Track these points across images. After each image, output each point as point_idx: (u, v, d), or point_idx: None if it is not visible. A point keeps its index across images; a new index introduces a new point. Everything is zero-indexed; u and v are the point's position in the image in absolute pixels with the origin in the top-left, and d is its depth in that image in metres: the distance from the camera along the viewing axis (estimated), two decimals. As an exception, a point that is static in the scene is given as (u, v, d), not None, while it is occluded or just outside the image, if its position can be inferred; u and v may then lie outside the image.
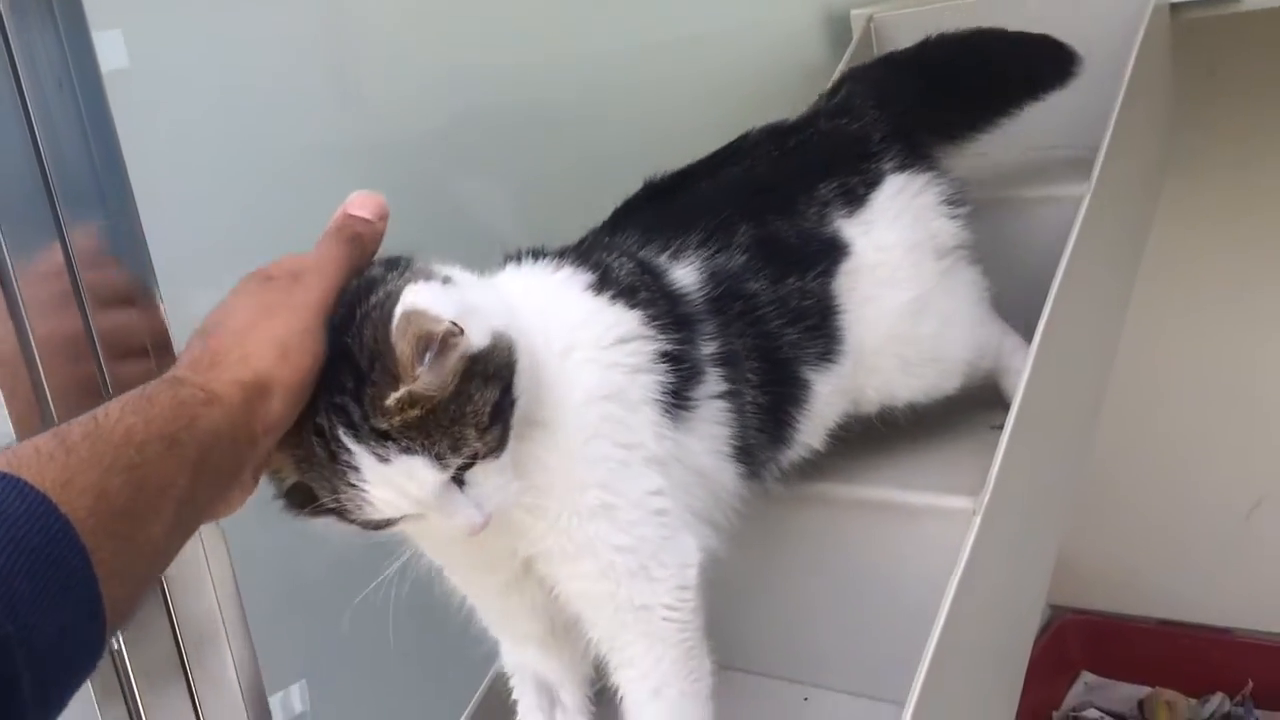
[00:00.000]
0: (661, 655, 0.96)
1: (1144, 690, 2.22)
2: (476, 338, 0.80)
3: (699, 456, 1.00)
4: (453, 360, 0.78)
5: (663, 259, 1.06)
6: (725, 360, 1.02)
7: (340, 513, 0.82)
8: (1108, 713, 2.20)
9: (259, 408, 0.75)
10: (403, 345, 0.77)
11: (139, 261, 0.97)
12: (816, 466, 1.30)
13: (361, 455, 0.79)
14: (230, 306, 0.80)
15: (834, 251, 1.15)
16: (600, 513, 0.91)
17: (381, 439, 0.79)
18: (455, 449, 0.80)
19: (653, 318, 0.98)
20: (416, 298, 0.78)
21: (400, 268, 0.85)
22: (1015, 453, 1.12)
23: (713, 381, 1.01)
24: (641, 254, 1.06)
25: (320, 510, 0.83)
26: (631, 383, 0.95)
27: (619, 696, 0.99)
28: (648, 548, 0.94)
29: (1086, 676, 2.32)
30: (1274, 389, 2.06)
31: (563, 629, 1.01)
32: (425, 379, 0.77)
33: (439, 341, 0.77)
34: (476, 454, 0.81)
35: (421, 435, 0.79)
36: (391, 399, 0.78)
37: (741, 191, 1.16)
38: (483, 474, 0.83)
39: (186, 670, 1.04)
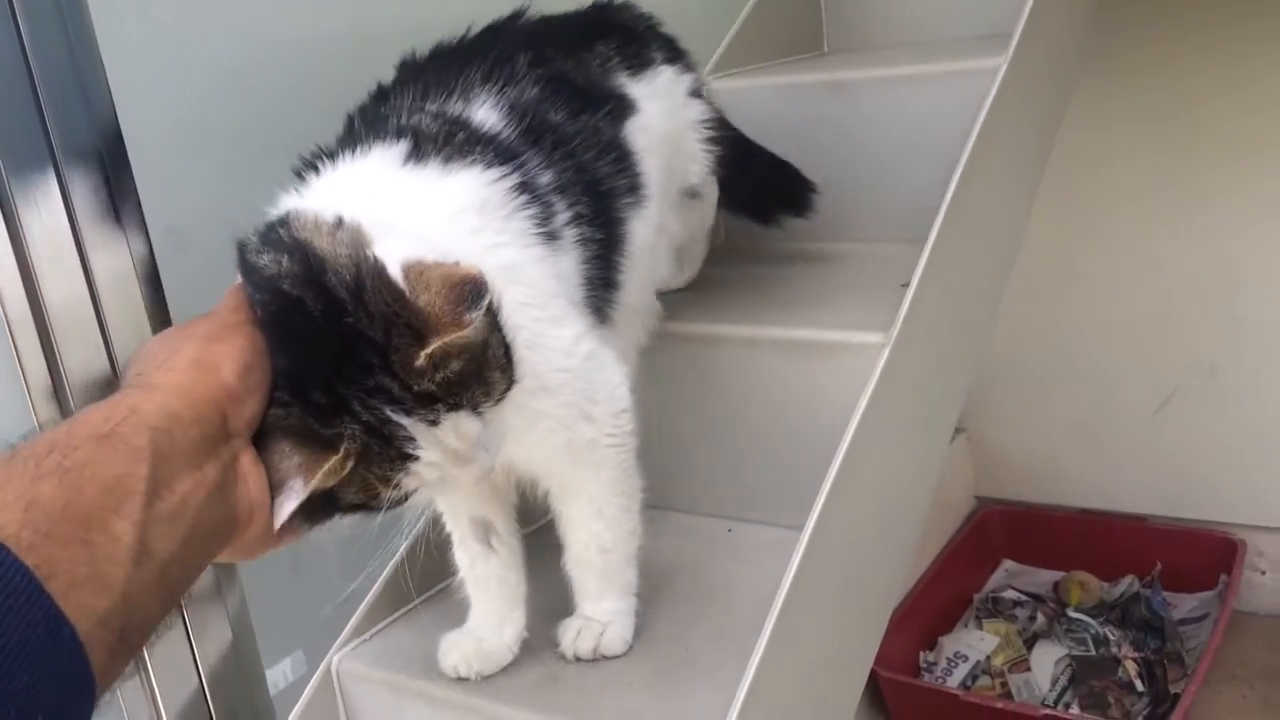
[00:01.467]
0: (605, 479, 1.04)
1: (1061, 574, 2.34)
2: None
3: (578, 288, 1.03)
4: (485, 302, 0.77)
5: (455, 104, 1.01)
6: (562, 189, 1.01)
7: (369, 505, 0.80)
8: (1025, 593, 2.31)
9: (211, 380, 0.71)
10: (428, 299, 0.76)
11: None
12: (735, 309, 1.38)
13: (414, 425, 0.77)
14: (147, 346, 0.78)
15: (621, 100, 1.16)
16: (539, 388, 0.93)
17: (428, 403, 0.78)
18: (488, 395, 0.81)
19: (488, 163, 0.95)
20: (403, 251, 0.78)
21: (310, 232, 0.81)
22: (924, 295, 1.20)
23: (562, 211, 1.00)
24: (431, 107, 1.01)
25: (350, 510, 0.80)
26: (517, 247, 0.94)
27: (559, 519, 1.07)
28: (585, 391, 0.99)
29: (1007, 564, 2.43)
30: (1186, 286, 2.16)
31: (504, 482, 1.07)
32: (472, 327, 0.77)
33: (475, 284, 0.77)
34: (500, 397, 0.82)
35: (462, 388, 0.79)
36: (422, 357, 0.76)
37: (517, 37, 1.13)
38: (492, 416, 0.83)
39: (189, 637, 1.09)
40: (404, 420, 0.77)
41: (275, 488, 0.75)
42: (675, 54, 1.31)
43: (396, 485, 0.80)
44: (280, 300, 0.78)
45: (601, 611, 1.09)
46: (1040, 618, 2.23)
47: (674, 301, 1.38)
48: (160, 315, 1.05)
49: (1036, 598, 2.30)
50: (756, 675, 0.98)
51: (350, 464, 0.76)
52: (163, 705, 1.07)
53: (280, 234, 0.82)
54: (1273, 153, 2.00)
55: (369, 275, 0.77)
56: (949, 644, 2.20)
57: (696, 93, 1.31)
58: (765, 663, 0.98)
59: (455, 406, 0.79)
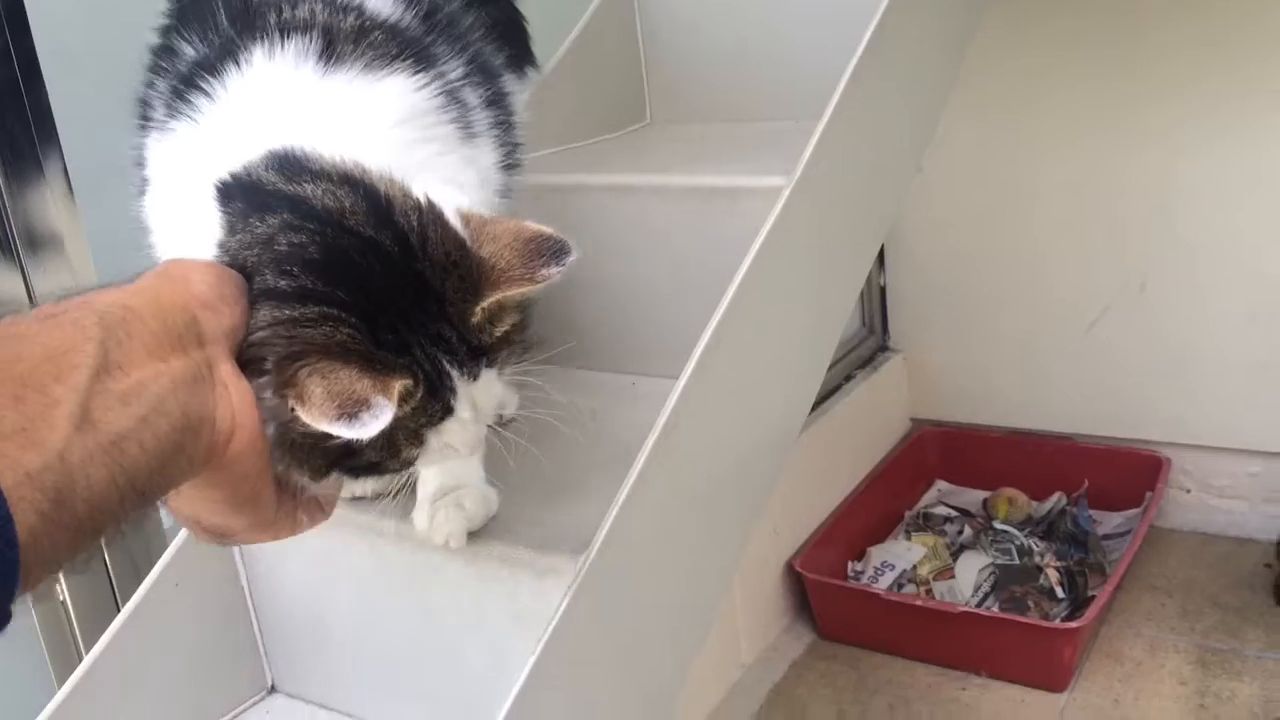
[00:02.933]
0: None
1: (989, 493, 2.36)
2: None
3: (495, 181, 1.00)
4: (569, 260, 0.78)
5: None
6: (470, 79, 0.95)
7: (381, 466, 0.77)
8: (955, 508, 2.33)
9: (176, 286, 0.66)
10: (493, 250, 0.75)
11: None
12: (644, 162, 1.39)
13: (459, 379, 0.75)
14: None
15: None
16: None
17: (476, 357, 0.76)
18: (517, 355, 0.80)
19: (414, 66, 0.87)
20: (452, 198, 0.76)
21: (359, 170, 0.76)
22: (827, 142, 1.20)
23: (475, 105, 0.95)
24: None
25: (358, 470, 0.76)
26: (453, 155, 0.89)
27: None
28: None
29: (940, 484, 2.45)
30: (1118, 203, 2.17)
31: None
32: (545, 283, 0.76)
33: (556, 241, 0.77)
34: (519, 359, 0.81)
35: (505, 345, 0.78)
36: (479, 310, 0.75)
37: None
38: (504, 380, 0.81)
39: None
40: (453, 372, 0.74)
41: (340, 405, 0.67)
42: None
43: (421, 443, 0.76)
44: (347, 236, 0.72)
45: (473, 475, 1.05)
46: (968, 530, 2.25)
47: (584, 159, 1.38)
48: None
49: (966, 513, 2.32)
50: (636, 484, 0.98)
51: (417, 398, 0.73)
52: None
53: (323, 167, 0.75)
54: (1207, 66, 2.01)
55: (431, 221, 0.74)
56: (876, 554, 2.21)
57: None
58: (646, 473, 0.99)
59: (491, 364, 0.77)
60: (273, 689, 1.22)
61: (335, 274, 0.71)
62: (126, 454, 0.57)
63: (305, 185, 0.74)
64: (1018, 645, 1.89)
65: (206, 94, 0.83)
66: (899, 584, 2.14)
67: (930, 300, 2.43)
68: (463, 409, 0.76)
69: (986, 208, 2.30)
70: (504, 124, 1.01)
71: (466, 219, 0.75)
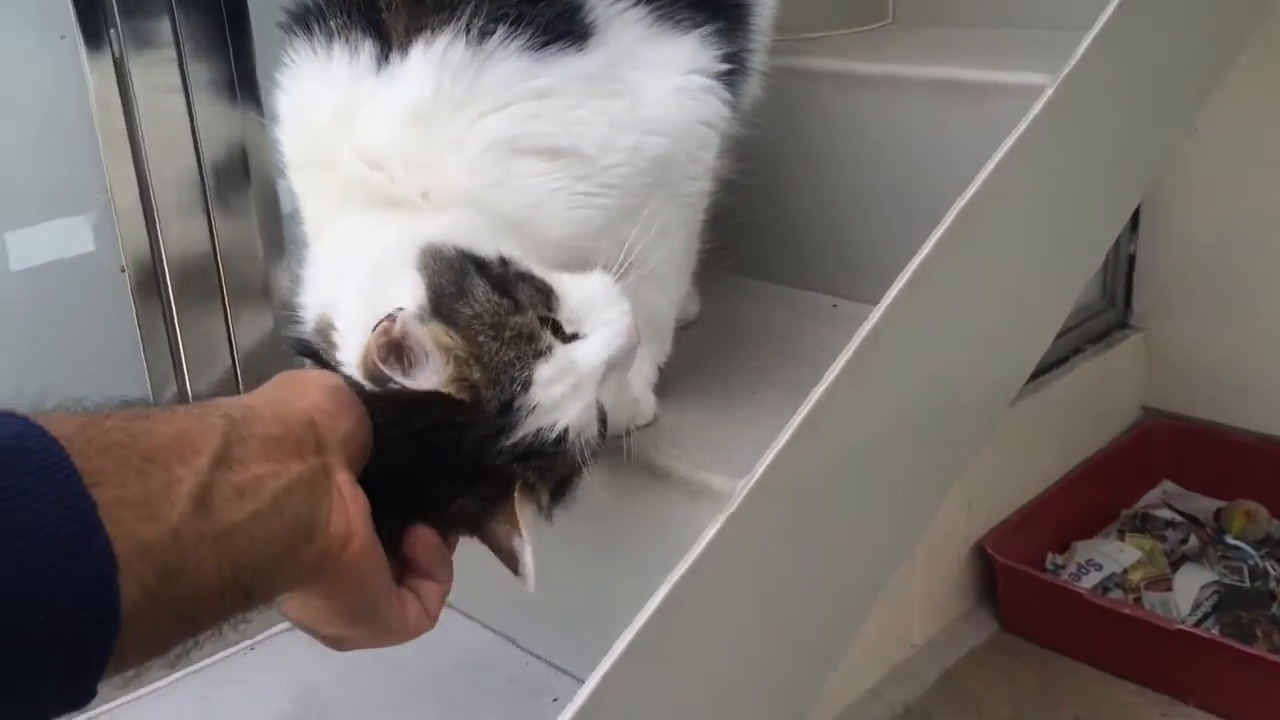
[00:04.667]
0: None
1: (1226, 503, 2.07)
2: None
3: None
4: None
5: None
6: None
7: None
8: (1181, 513, 2.06)
9: (295, 396, 0.66)
10: None
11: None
12: (881, 53, 1.20)
13: None
14: None
15: None
16: None
17: None
18: None
19: None
20: None
21: None
22: (1102, 45, 0.99)
23: None
24: None
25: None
26: None
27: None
28: None
29: (1166, 484, 2.17)
30: None
31: None
32: None
33: None
34: None
35: None
36: None
37: None
38: None
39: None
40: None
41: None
42: None
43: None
44: None
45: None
46: (1193, 540, 1.98)
47: (811, 48, 1.21)
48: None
49: (1193, 520, 2.04)
50: (815, 408, 0.83)
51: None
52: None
53: None
54: None
55: None
56: (1083, 549, 1.97)
57: None
58: (829, 400, 0.83)
59: None
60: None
61: None
62: (236, 545, 0.56)
63: None
64: (1237, 676, 1.65)
65: None
66: (1104, 587, 1.90)
67: (1185, 276, 2.14)
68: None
69: (1266, 178, 1.99)
70: None
71: None
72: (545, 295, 0.73)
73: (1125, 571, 1.91)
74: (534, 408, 0.70)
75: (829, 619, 0.95)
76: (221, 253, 1.11)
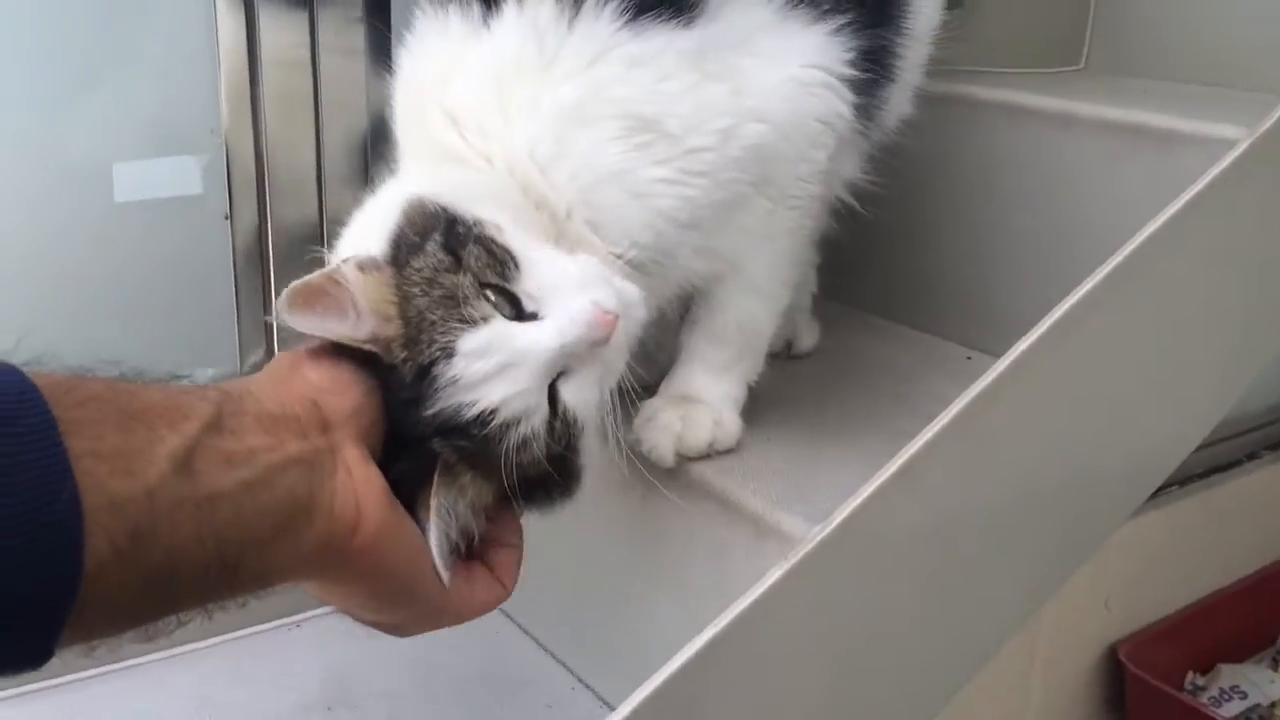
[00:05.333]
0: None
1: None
2: None
3: None
4: None
5: None
6: None
7: None
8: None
9: (293, 378, 0.62)
10: None
11: None
12: (1058, 90, 1.09)
13: None
14: None
15: None
16: None
17: None
18: None
19: None
20: None
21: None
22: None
23: None
24: None
25: None
26: None
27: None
28: None
29: (1339, 618, 1.95)
30: None
31: None
32: None
33: None
34: None
35: None
36: None
37: None
38: None
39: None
40: None
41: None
42: None
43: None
44: None
45: (714, 393, 0.87)
46: (1364, 685, 1.76)
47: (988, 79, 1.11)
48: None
49: None
50: (913, 459, 0.74)
51: None
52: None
53: None
54: None
55: None
56: (1228, 674, 1.78)
57: None
58: (933, 450, 0.74)
59: None
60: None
61: None
62: (219, 514, 0.53)
63: None
64: None
65: None
66: (1246, 718, 1.71)
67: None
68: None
69: None
70: None
71: None
72: (500, 263, 0.65)
73: (1272, 705, 1.72)
74: (453, 379, 0.62)
75: (901, 700, 0.84)
76: (329, 218, 1.08)
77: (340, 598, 0.64)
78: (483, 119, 0.74)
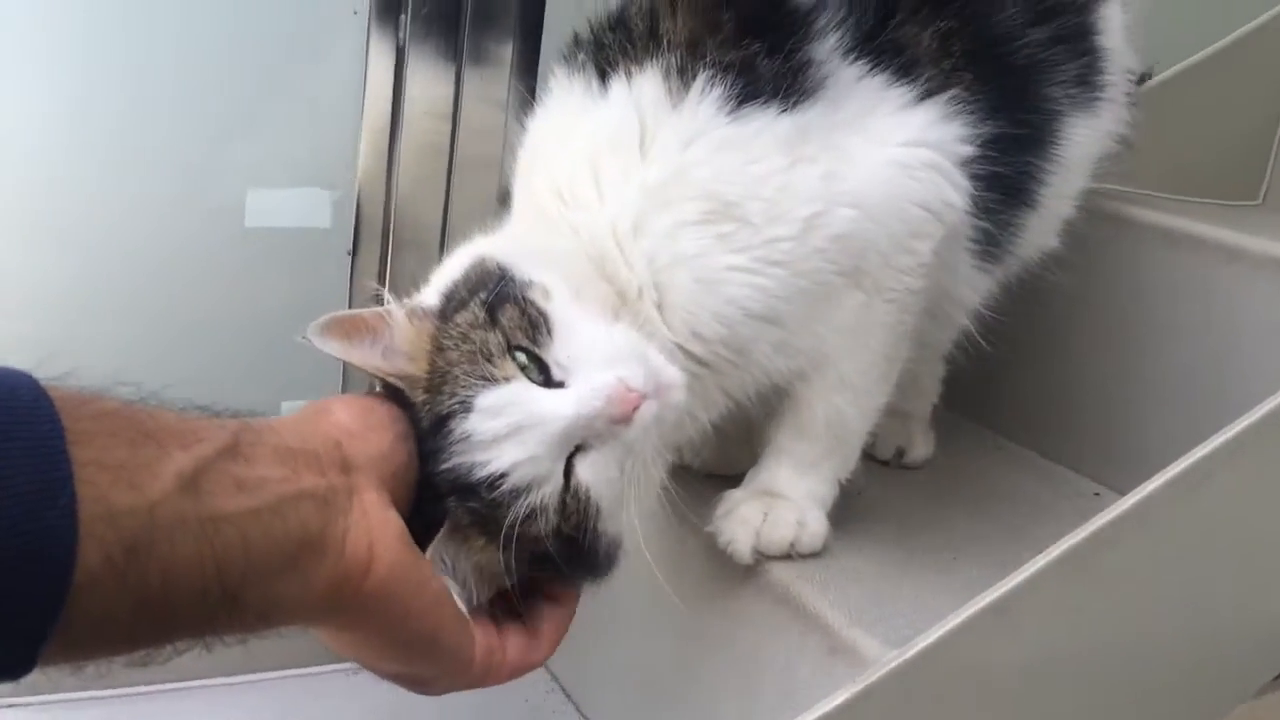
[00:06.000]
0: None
1: None
2: None
3: None
4: None
5: None
6: None
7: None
8: None
9: (319, 418, 0.61)
10: None
11: None
12: (1231, 221, 1.01)
13: None
14: None
15: None
16: None
17: None
18: None
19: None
20: None
21: None
22: None
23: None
24: None
25: None
26: None
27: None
28: None
29: None
30: None
31: None
32: None
33: None
34: None
35: None
36: None
37: None
38: None
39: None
40: None
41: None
42: None
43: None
44: None
45: (799, 489, 0.81)
46: None
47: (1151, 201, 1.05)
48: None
49: None
50: (1010, 594, 0.67)
51: None
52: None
53: None
54: None
55: None
56: None
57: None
58: (1028, 588, 0.67)
59: None
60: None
61: None
62: (221, 537, 0.50)
63: None
64: None
65: None
66: None
67: None
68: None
69: None
70: None
71: None
72: (533, 326, 0.63)
73: None
74: (467, 436, 0.61)
75: None
76: (448, 267, 1.08)
77: (355, 647, 0.61)
78: (577, 189, 0.73)
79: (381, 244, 1.06)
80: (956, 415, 1.09)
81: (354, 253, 1.05)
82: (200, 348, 1.01)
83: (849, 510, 0.85)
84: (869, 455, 1.02)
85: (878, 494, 0.93)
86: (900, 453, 1.00)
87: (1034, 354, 1.05)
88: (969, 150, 0.76)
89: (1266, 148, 1.32)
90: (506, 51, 1.07)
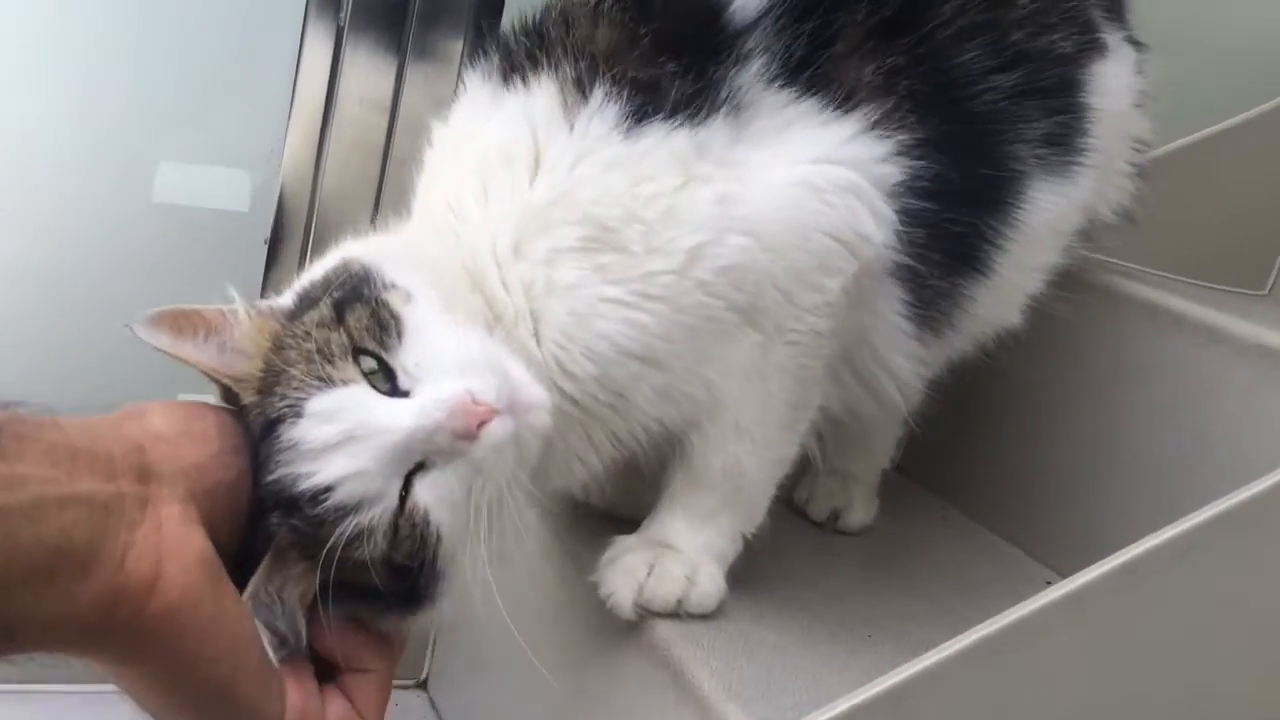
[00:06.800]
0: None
1: None
2: None
3: None
4: None
5: None
6: None
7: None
8: None
9: (127, 420, 0.56)
10: None
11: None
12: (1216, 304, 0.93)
13: None
14: None
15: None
16: None
17: None
18: None
19: None
20: None
21: None
22: None
23: None
24: None
25: None
26: None
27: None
28: None
29: None
30: None
31: None
32: None
33: None
34: None
35: None
36: None
37: None
38: None
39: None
40: None
41: None
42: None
43: None
44: None
45: (693, 542, 0.72)
46: None
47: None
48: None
49: None
50: (908, 681, 0.59)
51: None
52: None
53: None
54: None
55: None
56: None
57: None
58: (931, 676, 0.60)
59: None
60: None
61: None
62: None
63: None
64: None
65: None
66: None
67: None
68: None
69: None
70: None
71: None
72: (382, 328, 0.57)
73: None
74: (294, 444, 0.54)
75: None
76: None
77: (136, 686, 0.52)
78: (464, 202, 0.67)
79: (304, 236, 0.99)
80: (904, 477, 1.01)
81: (272, 241, 0.98)
82: (98, 326, 0.95)
83: (762, 571, 0.76)
84: (801, 514, 0.94)
85: (802, 557, 0.84)
86: (836, 515, 0.91)
87: (996, 421, 0.97)
88: (895, 172, 0.68)
89: (1277, 241, 1.24)
90: (457, 48, 1.00)
